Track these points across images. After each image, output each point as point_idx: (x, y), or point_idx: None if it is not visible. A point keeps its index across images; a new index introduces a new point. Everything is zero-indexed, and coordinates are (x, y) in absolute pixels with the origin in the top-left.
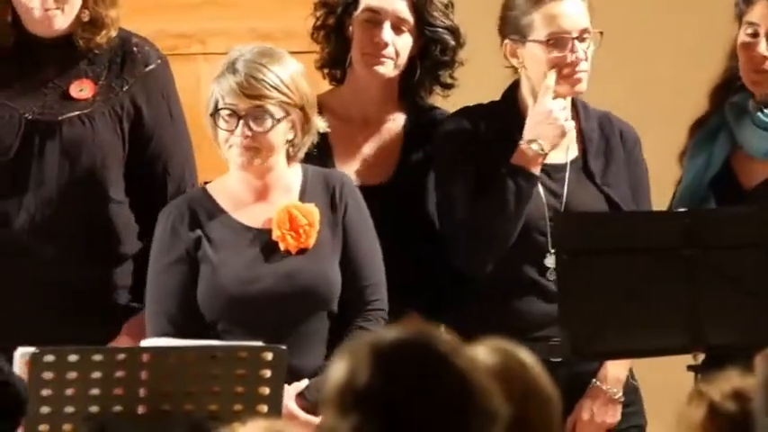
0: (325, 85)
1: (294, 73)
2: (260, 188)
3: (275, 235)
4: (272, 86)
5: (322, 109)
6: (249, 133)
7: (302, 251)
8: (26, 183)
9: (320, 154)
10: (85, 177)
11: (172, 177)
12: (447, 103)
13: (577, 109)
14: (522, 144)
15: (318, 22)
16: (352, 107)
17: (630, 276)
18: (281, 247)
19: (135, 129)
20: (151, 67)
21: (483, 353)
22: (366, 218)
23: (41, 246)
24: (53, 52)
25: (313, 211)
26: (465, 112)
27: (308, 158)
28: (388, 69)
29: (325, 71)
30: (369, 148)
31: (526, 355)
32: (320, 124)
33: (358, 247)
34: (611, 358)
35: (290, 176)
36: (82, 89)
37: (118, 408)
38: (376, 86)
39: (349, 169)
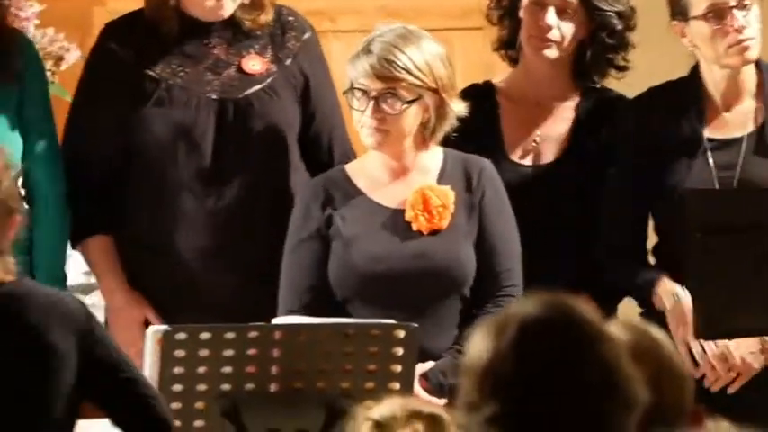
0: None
1: (430, 56)
2: (397, 169)
3: (408, 215)
4: (403, 69)
5: (497, 92)
6: (379, 115)
7: (435, 232)
8: (224, 159)
9: (492, 135)
10: (280, 147)
11: (337, 144)
12: (621, 84)
13: (762, 75)
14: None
15: (492, 4)
16: (526, 88)
17: (762, 253)
18: (414, 227)
19: (305, 97)
20: (307, 35)
21: (615, 331)
22: (505, 204)
23: (244, 219)
24: (218, 33)
25: (448, 193)
26: (643, 100)
27: (477, 141)
28: (553, 53)
29: (502, 53)
30: (541, 129)
31: (658, 333)
32: (458, 108)
33: (494, 231)
34: (743, 336)
35: (428, 159)
36: (253, 64)
37: (250, 386)
38: (545, 69)
39: (521, 150)
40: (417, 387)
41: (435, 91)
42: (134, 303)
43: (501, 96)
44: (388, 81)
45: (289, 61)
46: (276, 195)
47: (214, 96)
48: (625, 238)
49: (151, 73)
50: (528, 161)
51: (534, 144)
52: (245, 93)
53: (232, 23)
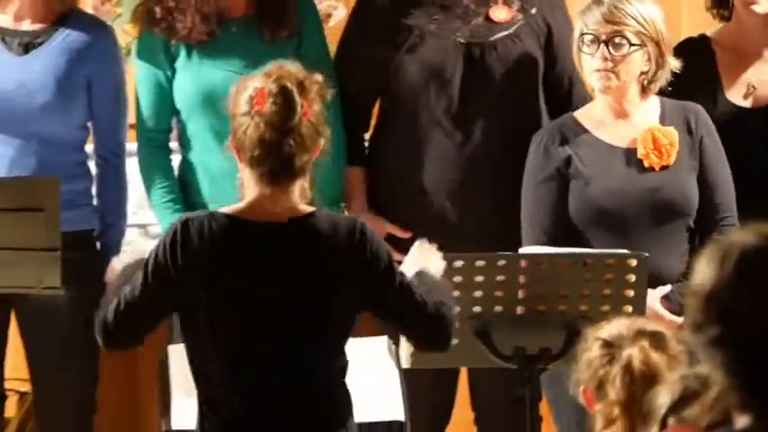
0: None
1: (653, 12)
2: (621, 112)
3: (640, 153)
4: (631, 16)
5: (713, 42)
6: (608, 56)
7: (664, 168)
8: (471, 99)
9: (711, 79)
10: (523, 90)
11: (576, 87)
12: None
13: None
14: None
15: None
16: (738, 39)
17: None
18: (646, 164)
19: (548, 44)
20: None
21: None
22: (719, 145)
23: (488, 155)
24: None
25: (673, 133)
26: None
27: (695, 87)
28: (763, 8)
29: (714, 11)
30: (756, 74)
31: None
32: (674, 63)
33: (711, 169)
34: None
35: (647, 105)
36: (499, 13)
37: (498, 308)
38: (755, 23)
39: (738, 92)
40: (659, 307)
41: (656, 43)
42: (377, 223)
43: (716, 46)
44: (617, 25)
45: (534, 11)
46: (521, 136)
47: (462, 41)
48: None
49: (407, 21)
50: (747, 103)
51: (752, 88)
52: (491, 38)
53: None
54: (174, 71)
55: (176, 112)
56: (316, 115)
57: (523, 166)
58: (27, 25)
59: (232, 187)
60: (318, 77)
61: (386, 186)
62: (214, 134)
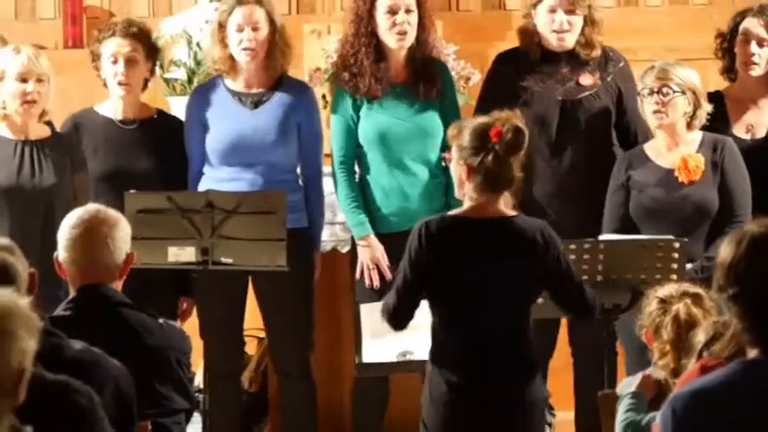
0: None
1: (690, 72)
2: (671, 142)
3: (676, 172)
4: (674, 74)
5: (725, 96)
6: (659, 100)
7: (692, 183)
8: (564, 137)
9: (723, 120)
10: (599, 132)
11: (640, 131)
12: None
13: None
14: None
15: (717, 45)
16: (741, 94)
17: None
18: (679, 180)
19: (619, 101)
20: (621, 64)
21: None
22: (740, 164)
23: (577, 177)
24: (565, 60)
25: (700, 158)
26: None
27: (713, 124)
28: (757, 72)
29: (725, 75)
30: (752, 117)
31: None
32: (707, 107)
33: (731, 180)
34: None
35: (692, 137)
36: (585, 79)
37: (585, 277)
38: (751, 81)
39: (740, 130)
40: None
41: (693, 91)
42: None
43: (727, 98)
44: (664, 80)
45: (609, 78)
46: (598, 163)
47: (559, 98)
48: None
49: (522, 84)
50: (748, 137)
51: (751, 126)
52: (578, 96)
53: (574, 54)
54: (358, 117)
55: (359, 146)
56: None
57: (598, 183)
58: (254, 89)
59: (396, 199)
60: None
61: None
62: (386, 161)
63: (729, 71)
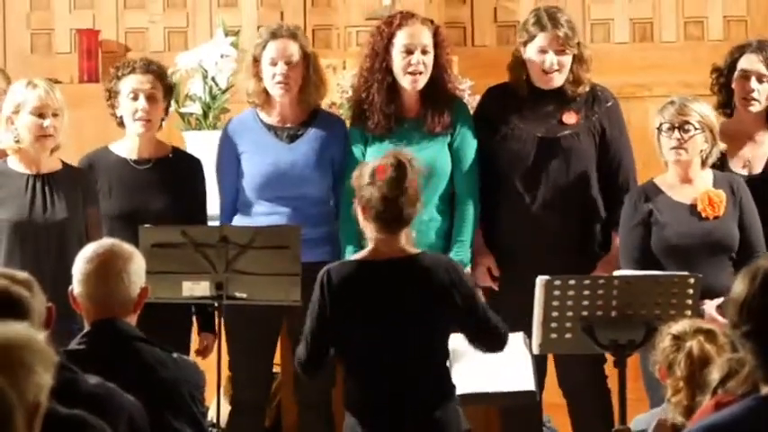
0: None
1: (708, 109)
2: (685, 178)
3: (699, 207)
4: (695, 111)
5: (720, 132)
6: (678, 136)
7: (716, 218)
8: (540, 173)
9: (720, 156)
10: (576, 170)
11: (622, 171)
12: None
13: None
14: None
15: (713, 80)
16: (738, 129)
17: None
18: (703, 215)
19: (602, 141)
20: (610, 103)
21: None
22: (752, 204)
23: (556, 213)
24: (551, 97)
25: (722, 194)
26: None
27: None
28: (757, 108)
29: (720, 111)
30: (748, 152)
31: None
32: (721, 146)
33: (748, 218)
34: None
35: (704, 174)
36: (569, 117)
37: (599, 312)
38: (749, 117)
39: (737, 164)
40: (714, 312)
41: (710, 130)
42: (484, 254)
43: (722, 133)
44: (685, 116)
45: (594, 117)
46: (572, 199)
47: (539, 134)
48: None
49: (506, 118)
50: (745, 171)
51: (748, 162)
52: (559, 134)
53: (561, 91)
54: (366, 150)
55: None
56: (416, 185)
57: (572, 220)
58: (289, 123)
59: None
60: (421, 164)
61: (500, 225)
62: None
63: (725, 106)
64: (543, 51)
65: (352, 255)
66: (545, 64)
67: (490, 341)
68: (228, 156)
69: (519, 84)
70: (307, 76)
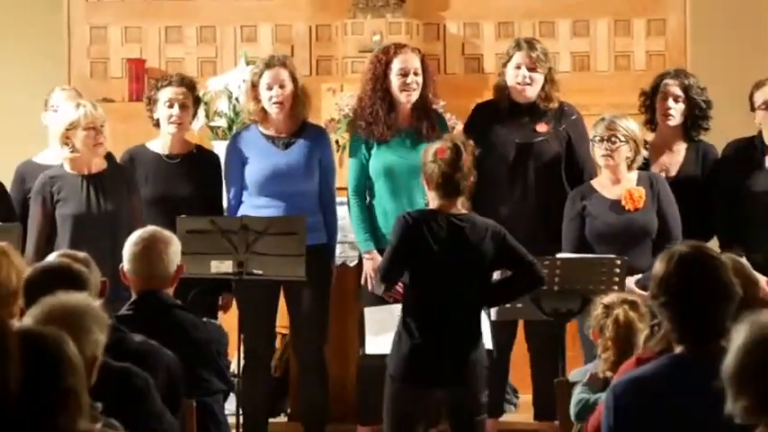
0: None
1: (633, 124)
2: (614, 179)
3: (623, 202)
4: (620, 126)
5: (647, 143)
6: (608, 147)
7: (636, 210)
8: (517, 174)
9: (646, 163)
10: (548, 169)
11: (586, 170)
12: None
13: None
14: None
15: (641, 102)
16: (659, 141)
17: None
18: (626, 207)
19: (569, 146)
20: (573, 117)
21: (725, 259)
22: (671, 196)
23: (535, 203)
24: (527, 110)
25: (642, 190)
26: (731, 147)
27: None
28: (674, 122)
29: (647, 126)
30: (668, 160)
31: (743, 260)
32: (644, 153)
33: (666, 209)
34: None
35: (630, 176)
36: (541, 127)
37: (545, 287)
38: (669, 133)
39: (658, 169)
40: (633, 286)
41: (634, 141)
42: None
43: (649, 144)
44: (612, 130)
45: (561, 128)
46: (545, 192)
47: (518, 141)
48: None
49: (492, 127)
50: (662, 175)
51: (666, 167)
52: (533, 140)
53: (535, 106)
54: (369, 156)
55: (369, 178)
56: (470, 161)
57: (545, 208)
58: (283, 134)
59: (395, 220)
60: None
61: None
62: (390, 191)
63: (651, 122)
64: (518, 67)
65: (366, 241)
66: (518, 77)
67: (531, 275)
68: (235, 161)
69: (502, 100)
70: (296, 95)
